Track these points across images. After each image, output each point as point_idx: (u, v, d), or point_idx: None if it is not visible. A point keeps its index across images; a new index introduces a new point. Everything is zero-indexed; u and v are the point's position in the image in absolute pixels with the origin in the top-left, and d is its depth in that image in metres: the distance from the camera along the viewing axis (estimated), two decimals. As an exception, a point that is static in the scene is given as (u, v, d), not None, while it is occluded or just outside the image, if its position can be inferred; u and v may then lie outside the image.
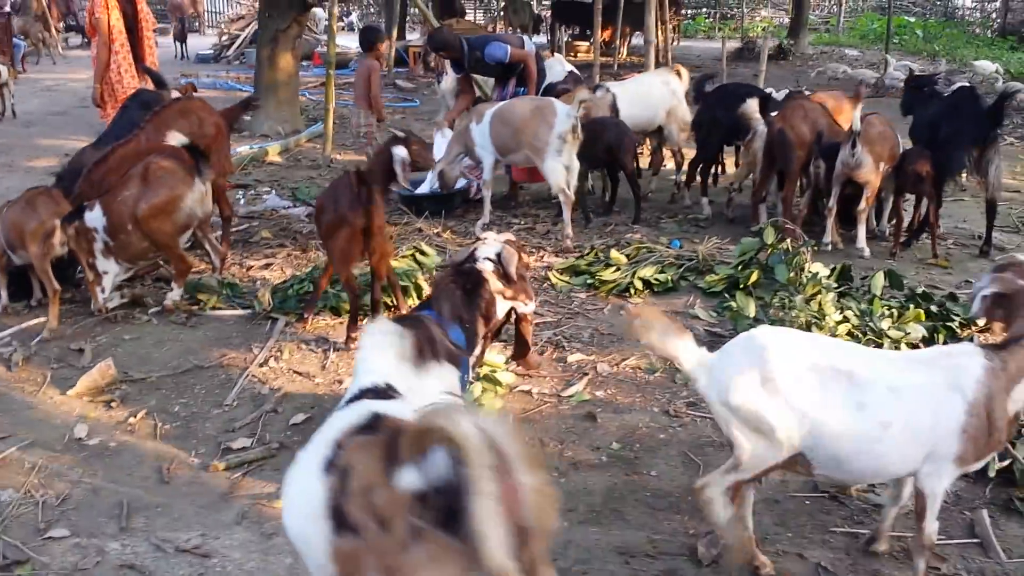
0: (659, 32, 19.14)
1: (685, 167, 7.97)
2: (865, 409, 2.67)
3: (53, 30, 22.48)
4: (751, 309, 4.87)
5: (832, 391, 2.69)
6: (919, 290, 5.36)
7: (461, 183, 7.58)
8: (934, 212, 6.45)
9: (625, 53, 22.90)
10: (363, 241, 4.64)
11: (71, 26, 25.70)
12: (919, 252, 6.63)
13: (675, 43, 26.00)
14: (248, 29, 21.12)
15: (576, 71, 9.58)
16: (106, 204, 5.01)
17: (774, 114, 6.84)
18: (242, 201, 8.07)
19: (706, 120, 7.59)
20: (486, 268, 3.66)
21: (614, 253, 6.12)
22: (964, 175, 7.25)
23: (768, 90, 8.14)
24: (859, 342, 4.56)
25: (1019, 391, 2.72)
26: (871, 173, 6.27)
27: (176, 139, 5.07)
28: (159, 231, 4.95)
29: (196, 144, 5.11)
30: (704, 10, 31.73)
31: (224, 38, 22.48)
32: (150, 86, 7.43)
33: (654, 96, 7.79)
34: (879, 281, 5.40)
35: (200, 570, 3.10)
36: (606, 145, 7.10)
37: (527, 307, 3.84)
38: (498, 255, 3.69)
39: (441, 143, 7.55)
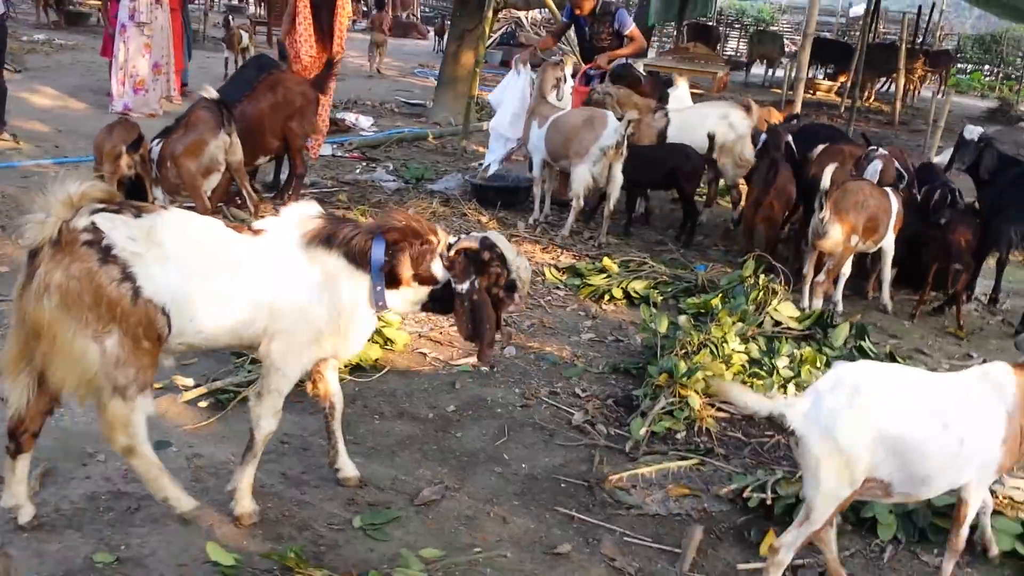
0: (901, 80, 18.52)
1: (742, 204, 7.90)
2: (948, 428, 2.91)
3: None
4: (663, 325, 5.01)
5: (918, 414, 2.91)
6: (886, 350, 5.24)
7: (526, 175, 8.06)
8: (964, 282, 6.11)
9: (872, 98, 22.01)
10: None
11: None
12: (948, 319, 6.31)
13: (942, 95, 24.58)
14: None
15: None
16: (163, 142, 6.04)
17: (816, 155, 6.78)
18: (358, 170, 9.01)
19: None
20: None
21: (606, 260, 6.38)
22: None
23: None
24: (746, 373, 4.64)
25: None
26: (838, 245, 5.78)
27: (209, 92, 5.97)
28: (185, 169, 5.87)
29: (225, 101, 5.99)
30: (987, 67, 29.45)
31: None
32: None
33: (707, 128, 7.68)
34: (842, 333, 5.32)
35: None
36: (669, 168, 7.30)
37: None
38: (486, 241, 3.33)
39: (513, 81, 8.06)
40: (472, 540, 3.32)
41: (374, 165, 9.30)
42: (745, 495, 3.63)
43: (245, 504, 3.25)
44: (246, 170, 7.05)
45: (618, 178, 6.93)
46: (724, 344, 4.79)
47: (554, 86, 7.65)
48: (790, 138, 7.00)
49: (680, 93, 8.66)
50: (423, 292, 3.27)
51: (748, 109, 7.83)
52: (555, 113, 7.28)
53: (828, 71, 24.40)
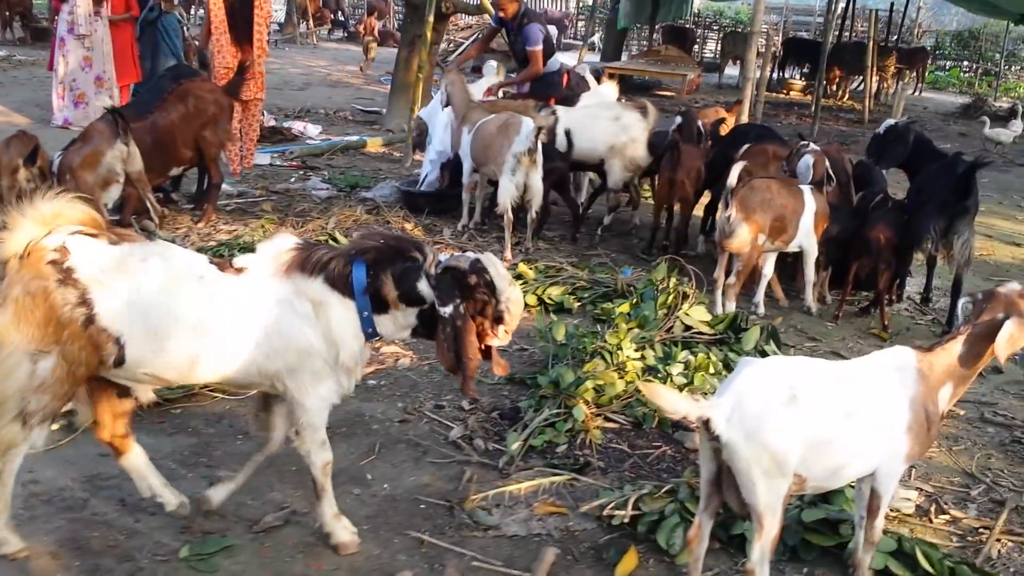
0: (871, 78, 18.36)
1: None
2: (853, 417, 2.82)
3: (311, 21, 25.29)
4: (560, 333, 4.83)
5: (832, 408, 2.81)
6: (791, 354, 5.06)
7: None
8: (886, 281, 5.92)
9: (847, 96, 21.84)
10: None
11: (338, 22, 28.75)
12: (874, 320, 6.12)
13: (917, 93, 24.48)
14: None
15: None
16: (62, 155, 5.86)
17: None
18: (293, 179, 8.83)
19: (719, 161, 7.35)
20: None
21: (522, 266, 6.19)
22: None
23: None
24: (640, 381, 4.45)
25: (945, 392, 2.97)
26: (744, 245, 5.54)
27: (104, 102, 5.80)
28: (83, 181, 5.69)
29: (120, 112, 5.83)
30: (965, 64, 29.28)
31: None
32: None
33: (597, 129, 7.31)
34: (752, 336, 5.14)
35: None
36: None
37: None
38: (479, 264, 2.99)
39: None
40: (304, 570, 3.12)
41: (310, 174, 9.12)
42: (606, 513, 3.43)
43: (339, 536, 3.21)
44: (160, 182, 6.93)
45: (537, 186, 6.71)
46: (619, 352, 4.60)
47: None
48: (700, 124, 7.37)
49: (604, 91, 8.45)
50: (412, 314, 3.03)
51: (644, 111, 7.47)
52: (483, 118, 7.10)
53: (804, 71, 24.28)
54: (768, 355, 4.87)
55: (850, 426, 2.83)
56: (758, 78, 10.79)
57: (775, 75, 24.39)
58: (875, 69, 18.68)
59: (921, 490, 3.96)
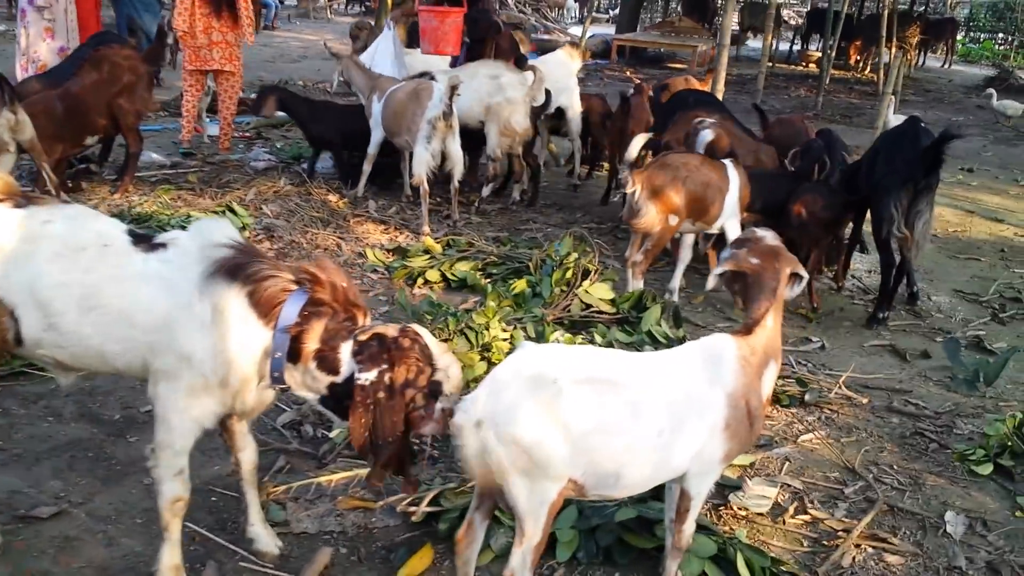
0: (882, 48, 17.62)
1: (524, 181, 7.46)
2: (642, 418, 2.46)
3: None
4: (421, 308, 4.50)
5: (609, 404, 2.45)
6: (680, 334, 4.64)
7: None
8: (815, 259, 5.48)
9: (868, 69, 21.06)
10: None
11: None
12: (804, 299, 5.67)
13: (947, 65, 23.58)
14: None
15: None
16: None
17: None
18: (240, 148, 8.56)
19: (661, 128, 6.93)
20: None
21: (428, 241, 5.86)
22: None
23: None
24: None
25: (769, 373, 2.65)
26: (653, 225, 5.04)
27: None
28: (-30, 149, 5.47)
29: (4, 79, 5.56)
30: (1000, 36, 28.18)
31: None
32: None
33: (472, 87, 6.59)
34: (653, 316, 4.77)
35: None
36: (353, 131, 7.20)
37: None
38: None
39: (385, 43, 7.80)
40: (50, 566, 2.84)
41: (257, 144, 8.83)
42: (400, 509, 3.11)
43: None
44: (75, 151, 6.70)
45: (456, 153, 6.34)
46: (486, 331, 4.26)
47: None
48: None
49: (559, 58, 7.99)
50: (321, 381, 2.50)
51: (528, 75, 6.83)
52: (393, 86, 6.73)
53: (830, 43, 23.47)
54: (655, 336, 4.51)
55: (641, 426, 2.45)
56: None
57: (796, 47, 23.70)
58: (895, 40, 17.93)
59: (788, 486, 3.58)
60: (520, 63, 6.93)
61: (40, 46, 10.32)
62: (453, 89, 6.03)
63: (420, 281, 5.45)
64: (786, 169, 5.92)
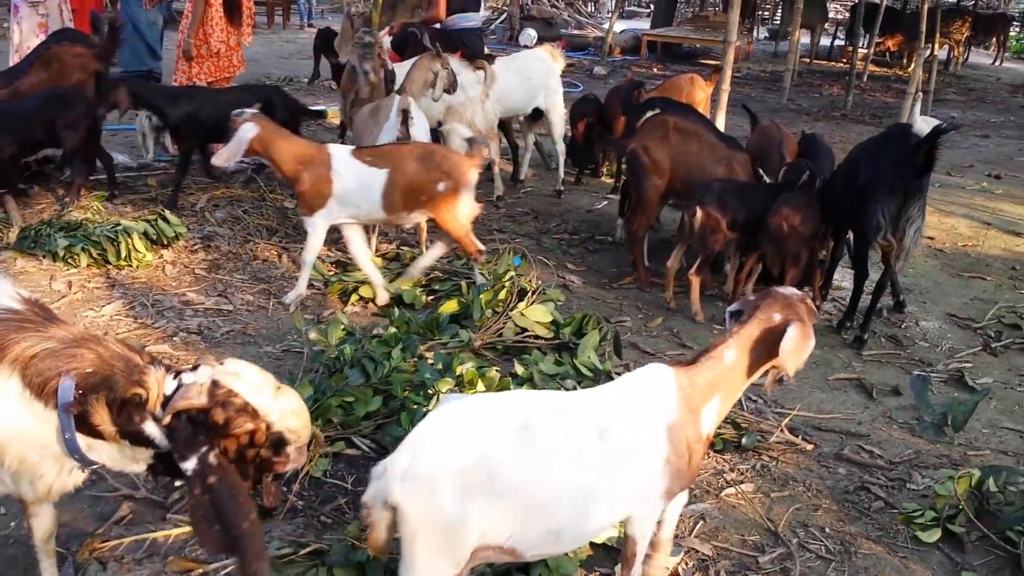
0: (922, 45, 16.82)
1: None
2: (578, 466, 2.26)
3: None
4: (335, 335, 4.10)
5: (541, 454, 2.22)
6: (604, 366, 4.19)
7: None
8: (793, 276, 5.00)
9: (912, 65, 20.18)
10: None
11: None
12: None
13: (998, 62, 22.57)
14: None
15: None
16: None
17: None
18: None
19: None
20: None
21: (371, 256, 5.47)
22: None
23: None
24: (400, 399, 3.72)
25: (709, 409, 2.49)
26: None
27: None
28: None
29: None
30: (1061, 31, 26.93)
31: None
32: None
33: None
34: (590, 343, 4.35)
35: None
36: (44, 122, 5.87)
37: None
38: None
39: None
40: None
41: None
42: (220, 579, 2.74)
43: None
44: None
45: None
46: (388, 361, 3.87)
47: (430, 84, 6.47)
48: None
49: (539, 56, 7.52)
50: (142, 453, 2.25)
51: (482, 71, 6.52)
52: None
53: (878, 39, 22.62)
54: (577, 368, 4.08)
55: (581, 474, 2.26)
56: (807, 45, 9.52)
57: (839, 42, 22.86)
58: (939, 36, 17.11)
59: (695, 552, 3.13)
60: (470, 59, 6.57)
61: (33, 42, 10.13)
62: (405, 113, 5.62)
63: (355, 297, 5.09)
64: (763, 181, 5.47)
